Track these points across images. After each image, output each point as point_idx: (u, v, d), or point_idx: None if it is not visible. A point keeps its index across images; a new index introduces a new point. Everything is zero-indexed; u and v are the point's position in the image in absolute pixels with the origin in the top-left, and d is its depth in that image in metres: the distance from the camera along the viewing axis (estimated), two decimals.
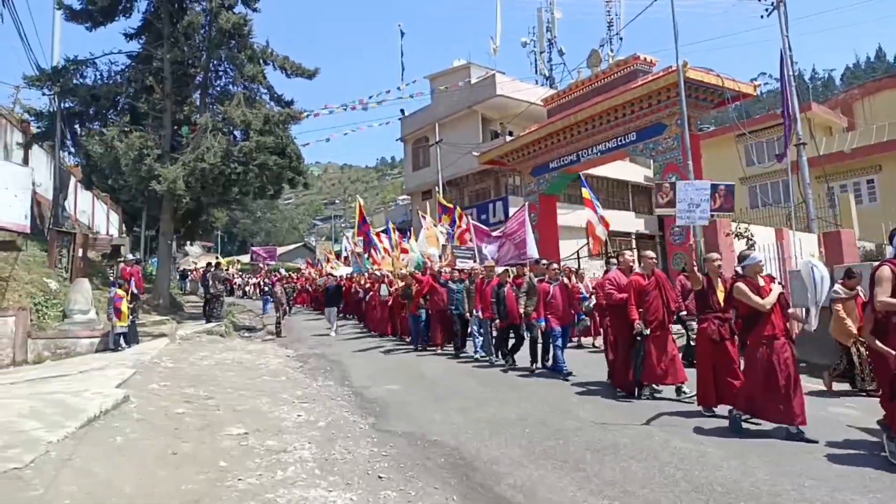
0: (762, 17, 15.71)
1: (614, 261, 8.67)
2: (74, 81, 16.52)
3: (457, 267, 12.83)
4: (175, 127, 16.80)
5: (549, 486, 4.39)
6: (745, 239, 12.20)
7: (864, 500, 3.96)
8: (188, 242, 42.52)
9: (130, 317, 11.61)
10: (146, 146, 15.17)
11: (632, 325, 7.13)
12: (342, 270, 22.64)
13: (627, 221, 29.23)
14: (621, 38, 34.67)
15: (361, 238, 18.99)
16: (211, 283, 17.29)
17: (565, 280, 9.56)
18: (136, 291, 12.40)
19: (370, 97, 24.92)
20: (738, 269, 6.06)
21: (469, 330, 11.34)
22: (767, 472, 4.51)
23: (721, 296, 6.23)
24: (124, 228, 27.18)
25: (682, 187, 7.03)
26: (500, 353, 10.14)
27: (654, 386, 7.26)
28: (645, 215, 30.66)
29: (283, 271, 36.12)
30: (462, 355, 11.30)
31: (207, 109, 16.78)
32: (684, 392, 6.94)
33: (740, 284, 5.74)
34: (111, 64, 17.32)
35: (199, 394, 7.87)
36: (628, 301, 7.17)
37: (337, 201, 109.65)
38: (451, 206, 17.03)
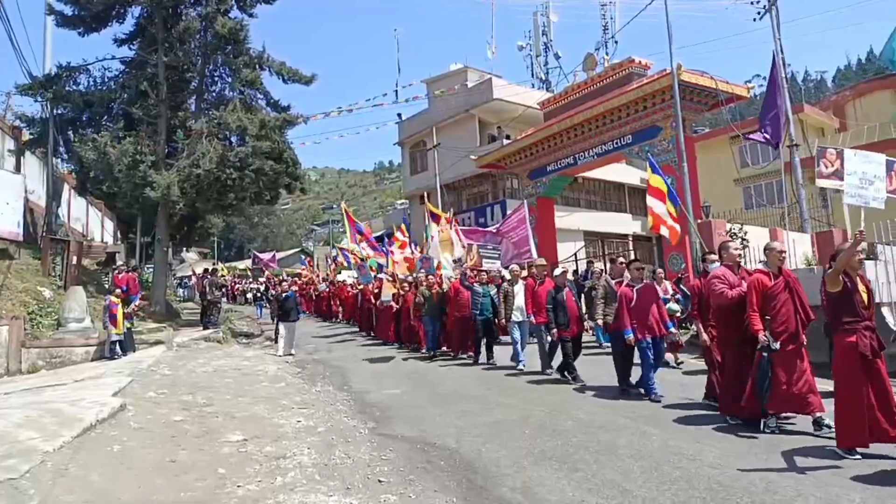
0: (755, 19, 15.83)
1: (714, 257, 7.09)
2: (67, 88, 16.50)
3: (483, 268, 12.13)
4: (170, 133, 16.77)
5: (548, 487, 4.39)
6: (740, 239, 12.24)
7: (857, 494, 4.00)
8: (184, 249, 42.43)
9: (126, 324, 11.55)
10: (141, 152, 15.14)
11: (746, 336, 5.72)
12: (345, 275, 22.32)
13: (624, 223, 29.28)
14: (616, 42, 34.76)
15: (363, 243, 18.51)
16: (208, 289, 17.22)
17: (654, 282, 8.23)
18: (133, 298, 12.36)
19: (367, 100, 24.97)
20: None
21: (496, 337, 10.80)
22: (764, 470, 4.53)
23: (865, 297, 5.01)
24: (119, 235, 27.11)
25: (852, 157, 6.14)
26: (565, 370, 8.61)
27: (780, 416, 5.74)
28: (641, 217, 30.65)
29: (284, 275, 36.01)
30: (485, 364, 10.55)
31: (203, 115, 16.76)
32: (827, 426, 5.35)
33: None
34: (104, 70, 17.35)
35: (197, 401, 7.83)
36: (749, 306, 5.64)
37: (335, 206, 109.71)
38: (439, 213, 16.33)
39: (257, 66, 16.95)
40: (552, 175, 21.11)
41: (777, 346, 5.43)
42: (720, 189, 25.03)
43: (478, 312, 10.66)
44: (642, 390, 7.39)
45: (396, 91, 36.21)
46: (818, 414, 5.41)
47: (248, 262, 48.18)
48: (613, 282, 8.16)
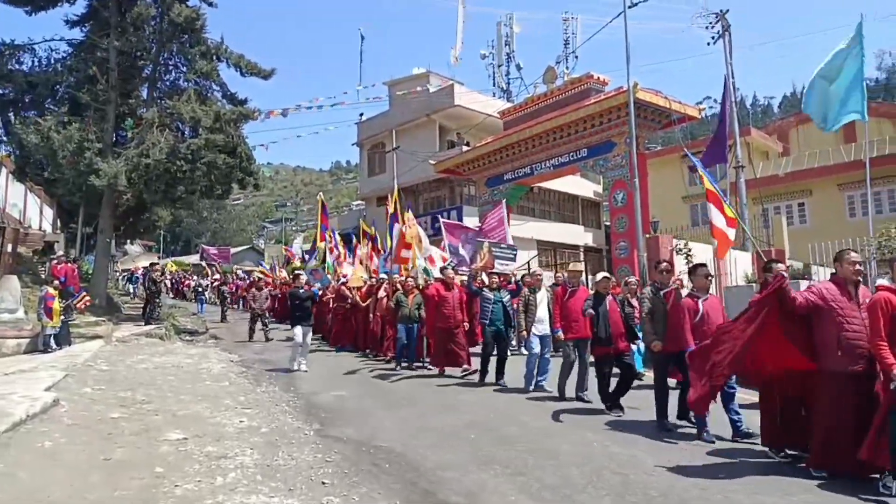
0: (708, 43, 16.47)
1: (781, 266, 5.77)
2: (10, 67, 15.74)
3: (495, 269, 10.57)
4: (119, 120, 16.19)
5: (491, 491, 4.45)
6: (685, 255, 12.64)
7: (783, 501, 4.21)
8: (128, 241, 40.98)
9: (62, 317, 11.09)
10: (87, 139, 14.55)
11: (864, 370, 4.54)
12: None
13: (576, 234, 29.86)
14: (577, 57, 35.57)
15: (327, 243, 17.91)
16: (146, 284, 16.71)
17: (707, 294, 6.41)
18: (71, 290, 11.87)
19: (328, 98, 24.77)
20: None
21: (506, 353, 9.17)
22: (697, 477, 4.72)
23: None
24: (59, 224, 25.96)
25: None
26: (602, 396, 7.17)
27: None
28: (593, 229, 31.38)
29: (240, 272, 35.16)
30: (494, 384, 8.95)
31: (155, 104, 16.25)
32: None
33: None
34: (51, 51, 16.66)
35: (136, 398, 7.58)
36: (873, 333, 4.43)
37: (289, 204, 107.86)
38: (401, 213, 15.76)
39: (214, 57, 16.55)
40: (509, 184, 21.38)
41: None
42: (669, 206, 25.82)
43: (487, 322, 9.14)
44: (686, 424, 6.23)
45: (358, 91, 35.88)
46: None
47: (195, 258, 46.80)
48: (661, 292, 6.55)
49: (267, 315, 16.57)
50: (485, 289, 9.48)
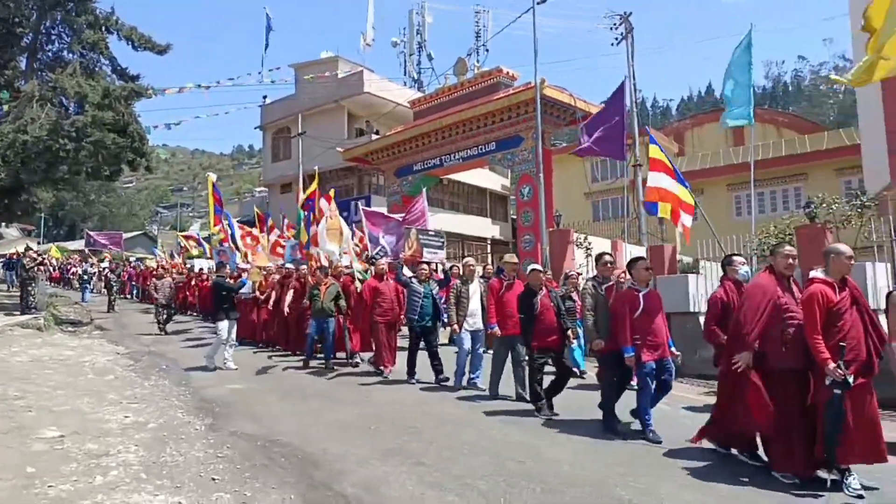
0: (613, 44, 17.15)
1: (741, 260, 5.70)
2: None
3: (423, 259, 9.74)
4: None
5: (391, 483, 4.42)
6: (584, 248, 13.13)
7: (669, 485, 4.45)
8: (3, 224, 37.40)
9: None
10: None
11: (797, 367, 4.50)
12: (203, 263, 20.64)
13: (484, 227, 30.37)
14: (487, 50, 35.94)
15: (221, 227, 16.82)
16: (18, 271, 15.36)
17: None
18: None
19: (230, 79, 23.68)
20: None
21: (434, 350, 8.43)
22: (597, 464, 4.90)
23: None
24: None
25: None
26: (531, 395, 6.71)
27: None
28: (500, 222, 32.05)
29: (132, 259, 32.97)
30: (425, 383, 8.18)
31: (35, 76, 14.94)
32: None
33: None
34: None
35: (8, 393, 6.96)
36: (809, 327, 4.35)
37: (185, 188, 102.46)
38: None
39: (103, 28, 15.41)
40: (418, 174, 21.37)
41: (851, 380, 4.16)
42: (573, 201, 26.85)
43: (416, 318, 8.31)
44: (633, 425, 5.91)
45: (262, 73, 34.51)
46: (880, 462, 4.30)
47: (82, 243, 43.41)
48: (603, 286, 6.24)
49: (173, 306, 15.50)
50: (413, 280, 8.75)
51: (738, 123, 11.25)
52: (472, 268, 8.22)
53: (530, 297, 6.66)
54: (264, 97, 32.78)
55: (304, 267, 11.32)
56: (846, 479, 4.23)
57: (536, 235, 16.03)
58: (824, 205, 10.29)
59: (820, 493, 4.22)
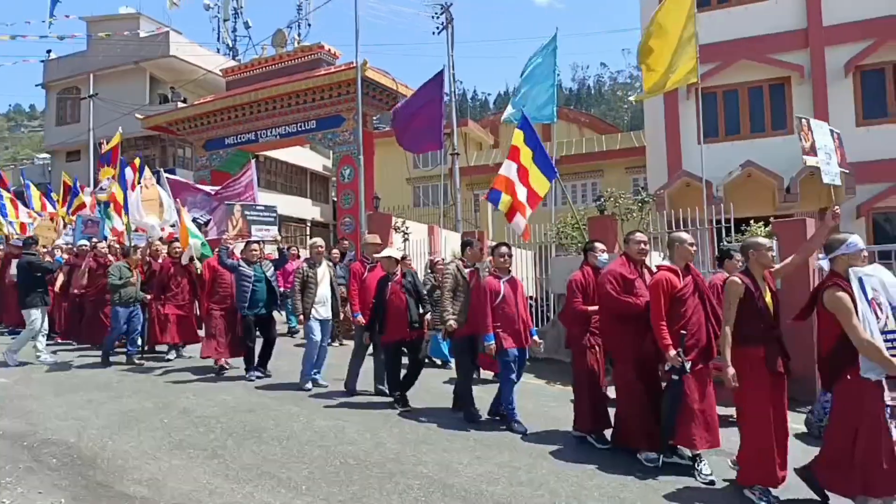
0: (434, 33, 17.45)
1: (601, 246, 5.71)
2: None
3: (253, 238, 8.64)
4: None
5: (180, 477, 4.08)
6: (402, 233, 13.26)
7: (467, 457, 4.63)
8: None
9: None
10: None
11: (645, 352, 4.62)
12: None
13: (304, 208, 29.45)
14: (310, 24, 34.51)
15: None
16: None
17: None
18: None
19: (6, 26, 19.98)
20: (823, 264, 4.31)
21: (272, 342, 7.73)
22: (396, 444, 4.93)
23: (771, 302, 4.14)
24: None
25: (816, 126, 5.14)
26: (389, 386, 6.46)
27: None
28: (321, 203, 31.31)
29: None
30: (256, 381, 7.29)
31: None
32: (732, 464, 4.39)
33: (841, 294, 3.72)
34: None
35: None
36: (654, 314, 4.44)
37: None
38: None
39: None
40: (230, 149, 19.95)
41: (689, 366, 4.29)
42: (394, 185, 27.02)
43: (246, 305, 7.36)
44: (498, 417, 5.75)
45: (47, 23, 29.72)
46: (714, 448, 4.46)
47: None
48: (466, 270, 6.08)
49: None
50: (241, 263, 7.51)
51: (541, 121, 11.99)
52: (319, 249, 7.39)
53: (383, 282, 6.33)
54: (48, 51, 28.35)
55: (104, 244, 9.96)
56: (698, 466, 4.33)
57: (356, 218, 15.82)
58: (612, 199, 11.45)
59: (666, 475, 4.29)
